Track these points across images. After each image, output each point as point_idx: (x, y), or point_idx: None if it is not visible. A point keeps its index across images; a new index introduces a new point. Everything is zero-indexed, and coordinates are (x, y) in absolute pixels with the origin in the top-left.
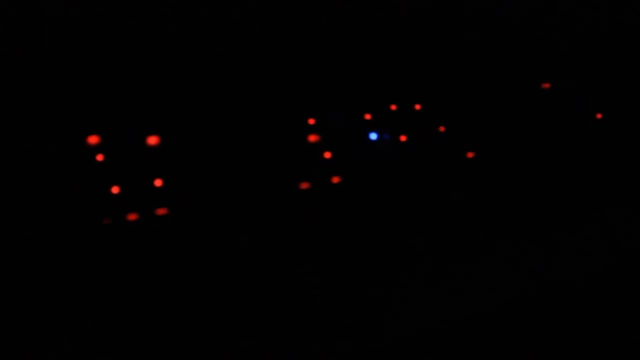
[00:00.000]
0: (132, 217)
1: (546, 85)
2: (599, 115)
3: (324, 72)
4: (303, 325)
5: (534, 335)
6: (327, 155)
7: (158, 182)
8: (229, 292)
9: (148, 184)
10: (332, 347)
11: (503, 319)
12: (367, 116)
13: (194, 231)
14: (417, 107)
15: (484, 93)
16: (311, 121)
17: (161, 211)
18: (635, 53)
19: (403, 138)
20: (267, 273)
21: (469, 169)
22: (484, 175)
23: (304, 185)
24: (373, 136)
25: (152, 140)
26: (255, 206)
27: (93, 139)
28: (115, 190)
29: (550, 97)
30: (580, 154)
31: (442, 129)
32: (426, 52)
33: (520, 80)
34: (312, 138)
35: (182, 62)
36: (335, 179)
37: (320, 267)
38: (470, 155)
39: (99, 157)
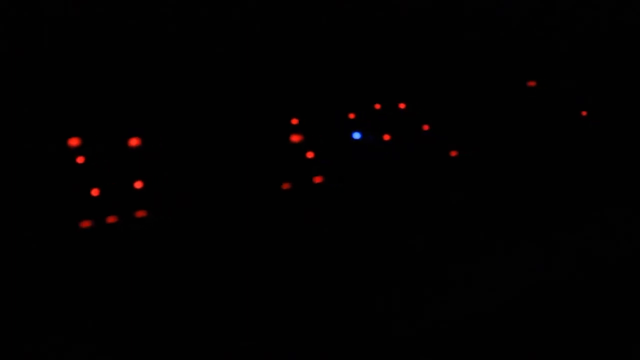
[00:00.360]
0: (111, 219)
1: (532, 84)
2: (583, 113)
3: (308, 72)
4: (302, 325)
5: (534, 335)
6: (310, 155)
7: (138, 184)
8: (213, 293)
9: (128, 186)
10: (332, 347)
11: (503, 319)
12: (351, 115)
13: (175, 233)
14: (402, 105)
15: (480, 92)
16: (294, 121)
17: (141, 213)
18: (635, 53)
19: (386, 137)
20: (250, 274)
21: (466, 169)
22: (481, 174)
23: (286, 186)
24: (356, 136)
25: (134, 142)
26: (237, 207)
27: (74, 141)
28: (95, 192)
29: (550, 96)
30: (580, 153)
31: (425, 127)
32: (419, 51)
33: (519, 79)
34: (295, 138)
35: (161, 64)
36: (318, 179)
37: (315, 268)
38: (453, 154)
39: (80, 160)
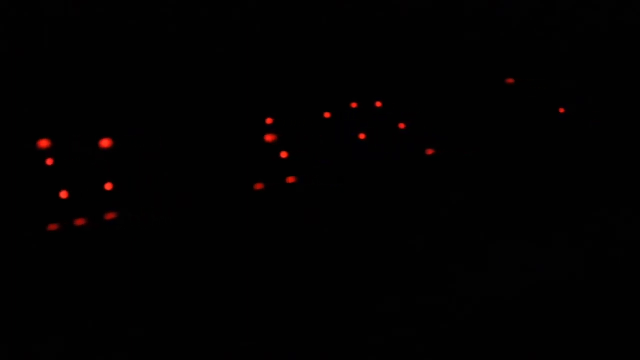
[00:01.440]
0: (80, 222)
1: (510, 81)
2: (560, 109)
3: (283, 70)
4: (302, 326)
5: (534, 335)
6: (284, 155)
7: (108, 186)
8: (203, 293)
9: (98, 188)
10: (332, 347)
11: (503, 319)
12: (327, 114)
13: (145, 235)
14: (378, 104)
15: (476, 91)
16: (269, 120)
17: (110, 215)
18: (635, 53)
19: (362, 136)
20: (233, 277)
21: (466, 169)
22: (482, 174)
23: (259, 186)
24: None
25: (105, 143)
26: (210, 208)
27: (43, 143)
28: (63, 195)
29: (549, 96)
30: (580, 153)
31: (402, 126)
32: (407, 50)
33: (518, 78)
34: (269, 138)
35: (146, 63)
36: (291, 179)
37: (310, 269)
38: (429, 152)
39: (49, 161)
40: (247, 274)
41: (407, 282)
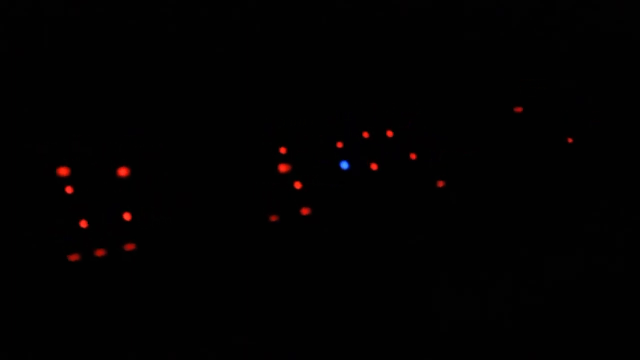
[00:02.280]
0: (99, 252)
1: (519, 110)
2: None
3: (297, 99)
4: (302, 326)
5: (534, 335)
6: (298, 185)
7: (127, 216)
8: (209, 304)
9: (117, 218)
10: (332, 348)
11: (502, 320)
12: (339, 144)
13: (163, 266)
14: (389, 133)
15: (477, 94)
16: (282, 150)
17: (130, 246)
18: (636, 53)
19: (374, 166)
20: (236, 304)
21: (467, 170)
22: (482, 174)
23: (274, 218)
24: (344, 165)
25: (122, 172)
26: (225, 239)
27: (63, 171)
28: (83, 224)
29: (549, 98)
30: (580, 154)
31: (413, 156)
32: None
33: (518, 82)
34: (283, 168)
35: (159, 70)
36: (305, 211)
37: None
38: (440, 184)
39: (68, 190)
40: (262, 296)
41: (407, 283)
